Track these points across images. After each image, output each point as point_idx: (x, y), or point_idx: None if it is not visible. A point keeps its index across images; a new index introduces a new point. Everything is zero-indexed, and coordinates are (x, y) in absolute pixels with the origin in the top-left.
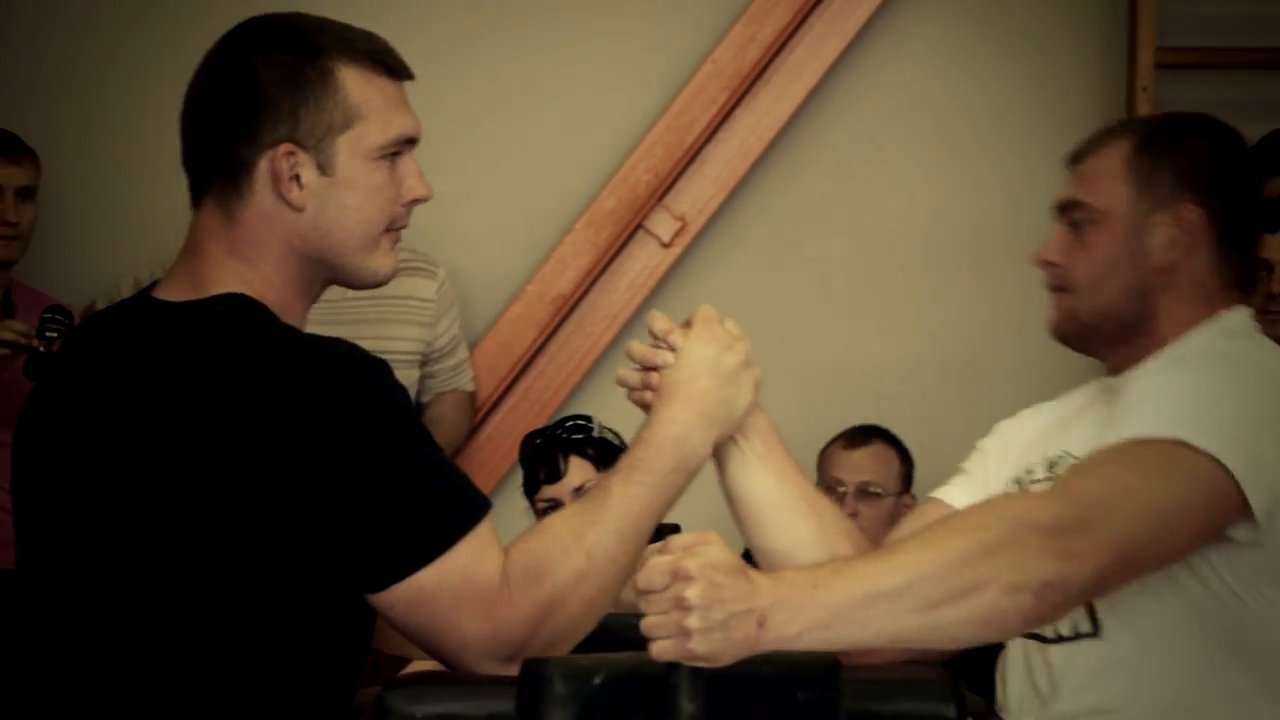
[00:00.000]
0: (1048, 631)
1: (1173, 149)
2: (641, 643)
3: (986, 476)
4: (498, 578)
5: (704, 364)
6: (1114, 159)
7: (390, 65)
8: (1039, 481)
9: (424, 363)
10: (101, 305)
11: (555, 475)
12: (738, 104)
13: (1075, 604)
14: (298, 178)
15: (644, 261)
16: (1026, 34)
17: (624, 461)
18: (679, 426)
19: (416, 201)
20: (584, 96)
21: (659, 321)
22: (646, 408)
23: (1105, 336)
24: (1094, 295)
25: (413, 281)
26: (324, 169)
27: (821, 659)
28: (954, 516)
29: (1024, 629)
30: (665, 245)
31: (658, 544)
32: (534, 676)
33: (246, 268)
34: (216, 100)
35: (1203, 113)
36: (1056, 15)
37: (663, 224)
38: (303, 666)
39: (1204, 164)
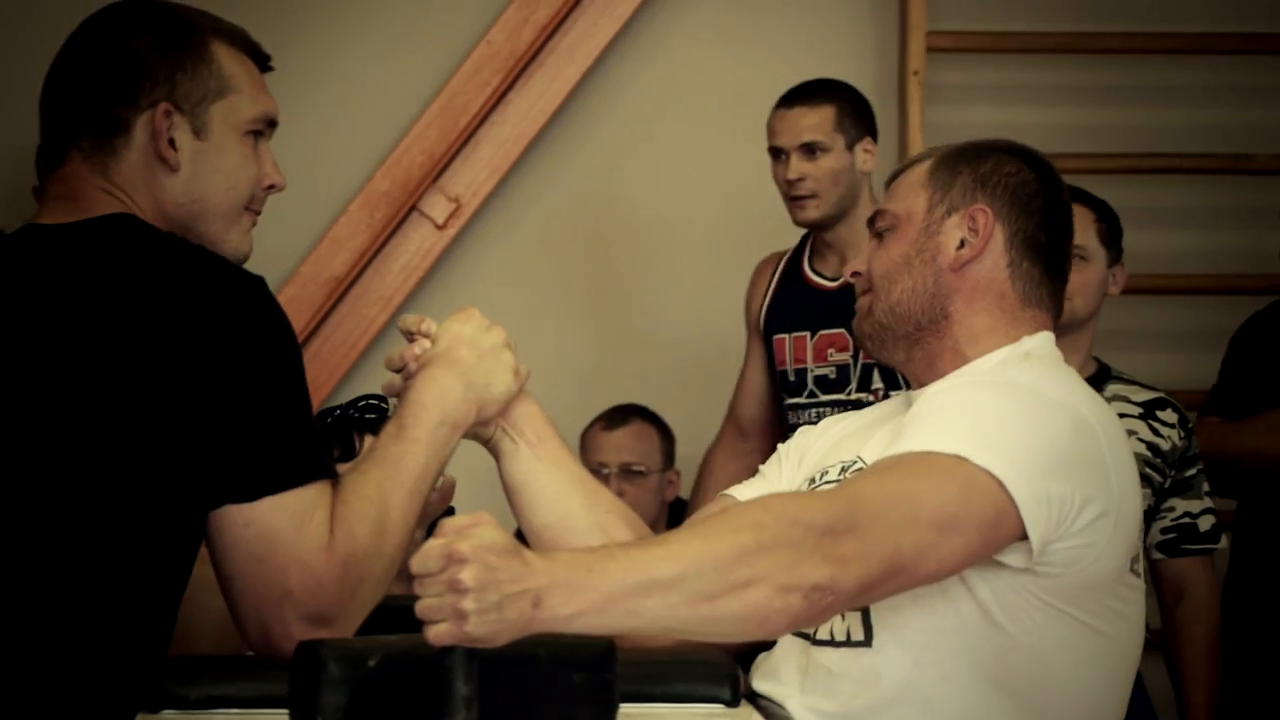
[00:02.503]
0: (821, 633)
1: (975, 158)
2: (417, 624)
3: (780, 479)
4: (329, 530)
5: (461, 338)
6: (919, 171)
7: (256, 52)
8: (831, 483)
9: None
10: None
11: (350, 453)
12: (512, 86)
13: (843, 608)
14: (172, 141)
15: (418, 243)
16: (800, 17)
17: (392, 422)
18: (437, 384)
19: (272, 189)
20: (358, 76)
21: (408, 319)
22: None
23: (899, 337)
24: (887, 291)
25: None
26: (198, 133)
27: (598, 641)
28: (730, 511)
29: (790, 629)
30: (439, 227)
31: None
32: (308, 659)
33: (126, 206)
34: (92, 64)
35: (1020, 142)
36: None
37: (437, 205)
38: (145, 596)
39: (1004, 173)
